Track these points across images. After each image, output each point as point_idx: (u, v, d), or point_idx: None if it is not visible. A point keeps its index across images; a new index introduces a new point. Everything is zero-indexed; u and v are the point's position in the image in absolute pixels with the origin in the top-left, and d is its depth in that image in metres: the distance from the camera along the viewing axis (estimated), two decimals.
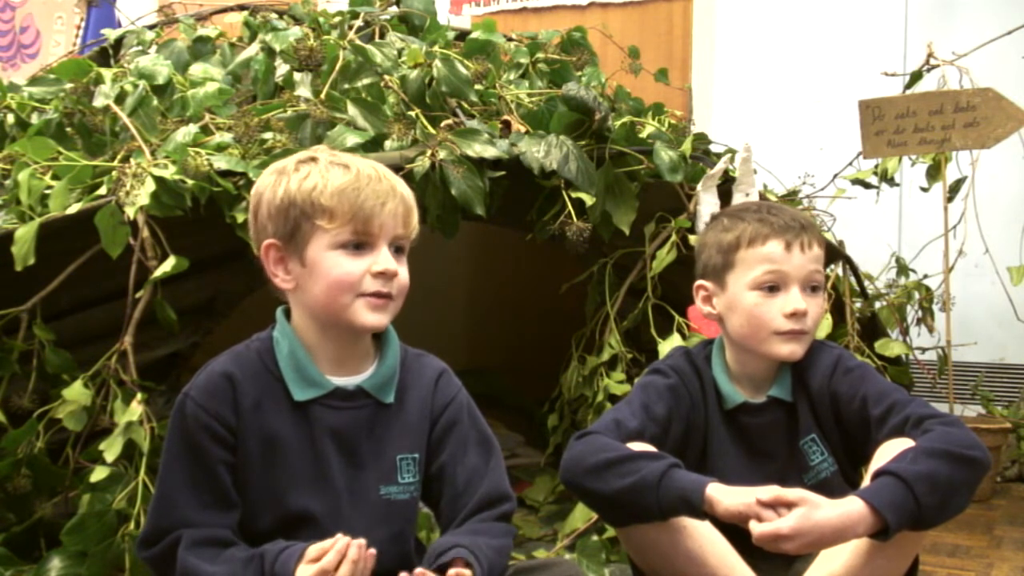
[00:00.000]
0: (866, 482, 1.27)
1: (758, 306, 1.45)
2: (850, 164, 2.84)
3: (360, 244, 1.21)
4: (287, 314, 1.28)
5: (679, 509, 1.27)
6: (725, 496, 1.22)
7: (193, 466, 1.20)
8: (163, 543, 1.17)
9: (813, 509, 1.18)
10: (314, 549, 1.11)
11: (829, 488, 1.39)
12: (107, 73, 2.12)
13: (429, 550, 1.21)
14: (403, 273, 1.24)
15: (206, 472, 1.19)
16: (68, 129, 2.05)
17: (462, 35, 2.56)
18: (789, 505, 1.18)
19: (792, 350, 1.44)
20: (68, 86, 2.13)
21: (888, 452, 1.30)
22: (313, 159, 1.24)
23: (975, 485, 1.27)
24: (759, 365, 1.48)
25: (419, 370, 1.32)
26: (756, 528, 1.17)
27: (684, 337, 2.03)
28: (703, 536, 1.32)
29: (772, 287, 1.44)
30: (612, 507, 1.35)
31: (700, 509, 1.25)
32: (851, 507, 1.19)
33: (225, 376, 1.23)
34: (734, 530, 1.27)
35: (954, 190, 2.80)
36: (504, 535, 1.26)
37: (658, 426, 1.43)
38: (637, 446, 1.36)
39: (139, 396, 1.71)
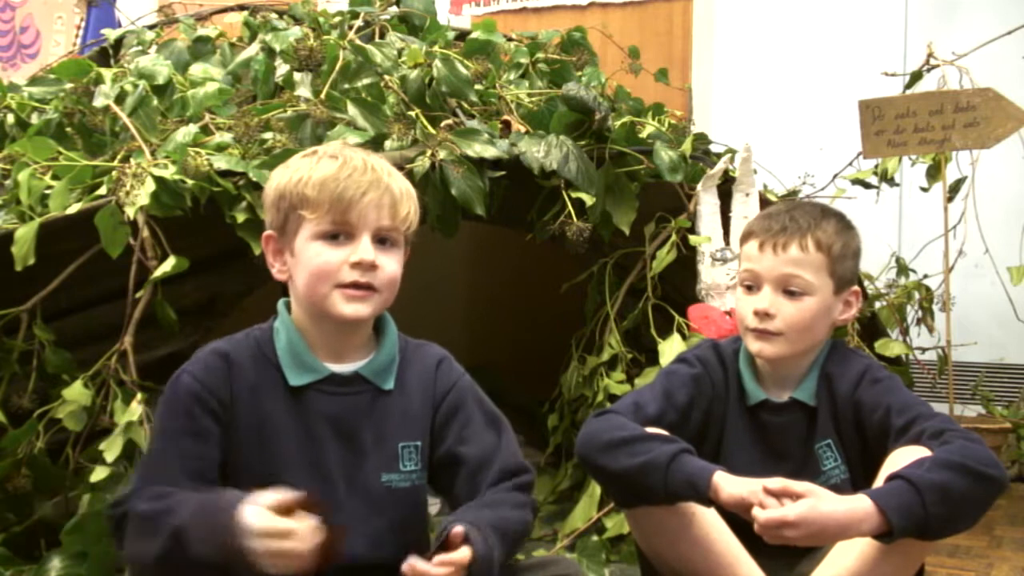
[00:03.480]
0: (878, 484, 1.27)
1: (738, 302, 1.49)
2: (850, 164, 2.84)
3: (339, 234, 1.21)
4: (288, 306, 1.29)
5: (685, 494, 1.28)
6: (729, 484, 1.23)
7: (181, 434, 1.19)
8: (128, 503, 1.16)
9: (819, 501, 1.18)
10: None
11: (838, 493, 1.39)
12: (107, 73, 2.12)
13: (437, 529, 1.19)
14: (388, 265, 1.23)
15: (193, 441, 1.19)
16: (68, 129, 2.05)
17: (462, 35, 2.56)
18: (796, 496, 1.18)
19: (758, 348, 1.45)
20: (68, 86, 2.14)
21: (900, 459, 1.29)
22: (315, 152, 1.25)
23: (988, 503, 1.26)
24: (780, 364, 1.48)
25: (420, 358, 1.32)
26: (761, 515, 1.18)
27: (684, 337, 2.03)
28: (710, 524, 1.33)
29: (749, 286, 1.46)
30: (620, 485, 1.36)
31: (706, 495, 1.25)
32: (858, 504, 1.19)
33: (220, 355, 1.24)
34: (740, 527, 1.27)
35: (954, 190, 2.79)
36: (521, 506, 1.25)
37: (677, 413, 1.43)
38: (652, 430, 1.36)
39: (139, 396, 1.71)
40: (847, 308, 1.48)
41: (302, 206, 1.21)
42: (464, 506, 1.23)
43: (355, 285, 1.21)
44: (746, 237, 1.49)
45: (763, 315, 1.43)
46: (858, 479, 1.45)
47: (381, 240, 1.23)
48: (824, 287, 1.44)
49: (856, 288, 1.49)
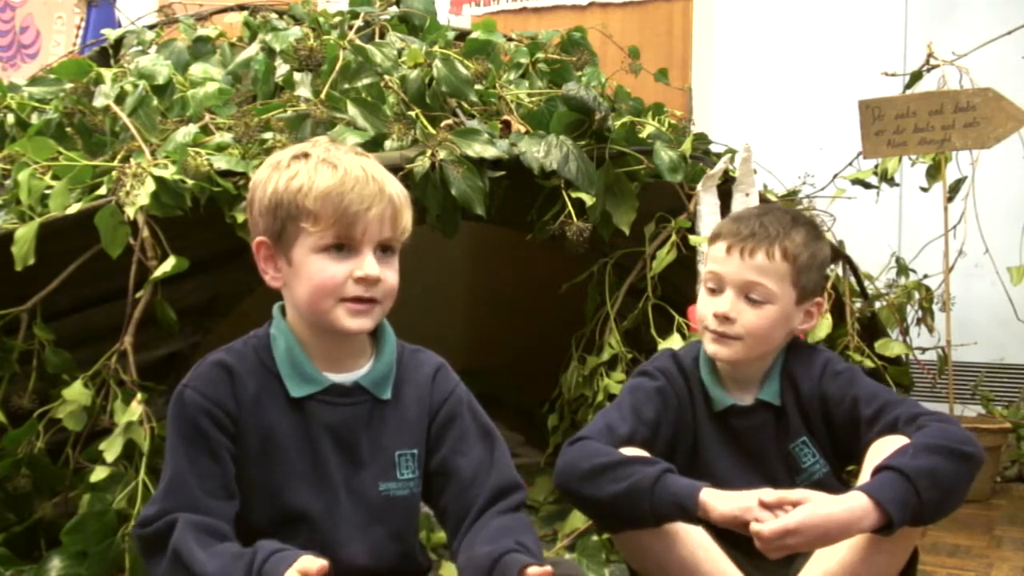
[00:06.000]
0: (864, 477, 1.28)
1: (700, 303, 1.48)
2: (850, 164, 2.84)
3: (343, 247, 1.20)
4: (283, 311, 1.28)
5: (673, 514, 1.27)
6: (720, 501, 1.23)
7: (196, 453, 1.19)
8: (159, 523, 1.15)
9: (816, 504, 1.19)
10: (305, 561, 1.07)
11: (824, 489, 1.40)
12: (107, 73, 2.12)
13: (469, 561, 1.18)
14: (389, 276, 1.23)
15: (210, 458, 1.19)
16: (68, 129, 2.05)
17: (462, 35, 2.56)
18: (792, 505, 1.19)
19: (714, 351, 1.45)
20: (68, 86, 2.13)
21: (883, 448, 1.31)
22: (306, 155, 1.23)
23: (971, 481, 1.28)
24: (738, 367, 1.48)
25: (416, 365, 1.31)
26: (764, 528, 1.18)
27: (684, 337, 2.03)
28: (695, 542, 1.33)
29: (713, 288, 1.46)
30: (606, 512, 1.35)
31: (694, 514, 1.25)
32: (855, 502, 1.20)
33: (223, 367, 1.23)
34: (732, 533, 1.27)
35: (954, 190, 2.79)
36: (527, 526, 1.24)
37: (648, 428, 1.43)
38: (629, 451, 1.36)
39: (139, 396, 1.71)
40: (808, 318, 1.48)
41: (303, 218, 1.19)
42: (476, 531, 1.21)
43: (358, 299, 1.20)
44: (714, 238, 1.48)
45: (723, 319, 1.43)
46: (837, 472, 1.47)
47: (382, 250, 1.22)
48: (786, 296, 1.43)
49: (819, 300, 1.49)
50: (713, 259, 1.47)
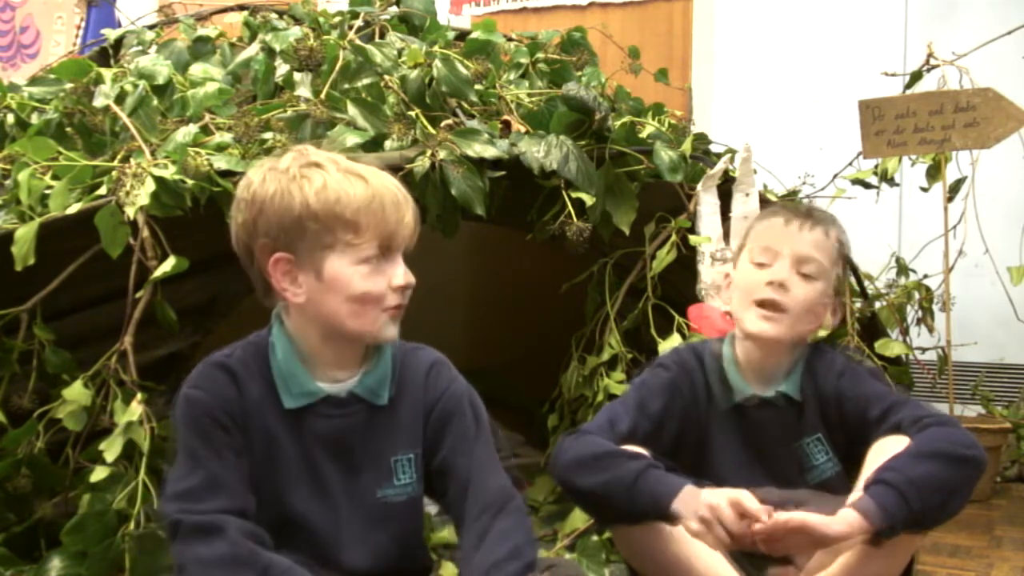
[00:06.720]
0: (863, 478, 1.28)
1: (748, 276, 1.47)
2: (850, 164, 2.84)
3: (380, 257, 1.20)
4: (284, 312, 1.26)
5: (649, 513, 1.27)
6: (690, 510, 1.22)
7: (220, 447, 1.18)
8: (209, 517, 1.14)
9: (808, 519, 1.19)
10: None
11: (831, 488, 1.40)
12: (107, 73, 2.11)
13: (466, 566, 1.19)
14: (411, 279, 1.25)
15: (232, 454, 1.18)
16: (68, 129, 2.05)
17: (462, 35, 2.56)
18: (798, 503, 1.20)
19: (761, 329, 1.44)
20: (68, 86, 2.13)
21: (883, 450, 1.31)
22: (318, 164, 1.20)
23: (974, 484, 1.29)
24: (766, 356, 1.48)
25: (414, 365, 1.30)
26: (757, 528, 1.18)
27: (684, 337, 2.03)
28: (689, 540, 1.32)
29: (762, 263, 1.46)
30: (591, 504, 1.38)
31: (669, 514, 1.25)
32: (846, 517, 1.20)
33: (226, 370, 1.22)
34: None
35: (954, 190, 2.79)
36: (527, 528, 1.24)
37: (651, 422, 1.44)
38: (628, 448, 1.36)
39: (139, 396, 1.71)
40: (833, 314, 1.50)
41: (340, 229, 1.17)
42: (476, 539, 1.20)
43: (398, 307, 1.22)
44: (765, 216, 1.51)
45: (779, 285, 1.43)
46: (847, 471, 1.47)
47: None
48: (829, 279, 1.47)
49: (841, 300, 1.52)
50: (765, 234, 1.48)
